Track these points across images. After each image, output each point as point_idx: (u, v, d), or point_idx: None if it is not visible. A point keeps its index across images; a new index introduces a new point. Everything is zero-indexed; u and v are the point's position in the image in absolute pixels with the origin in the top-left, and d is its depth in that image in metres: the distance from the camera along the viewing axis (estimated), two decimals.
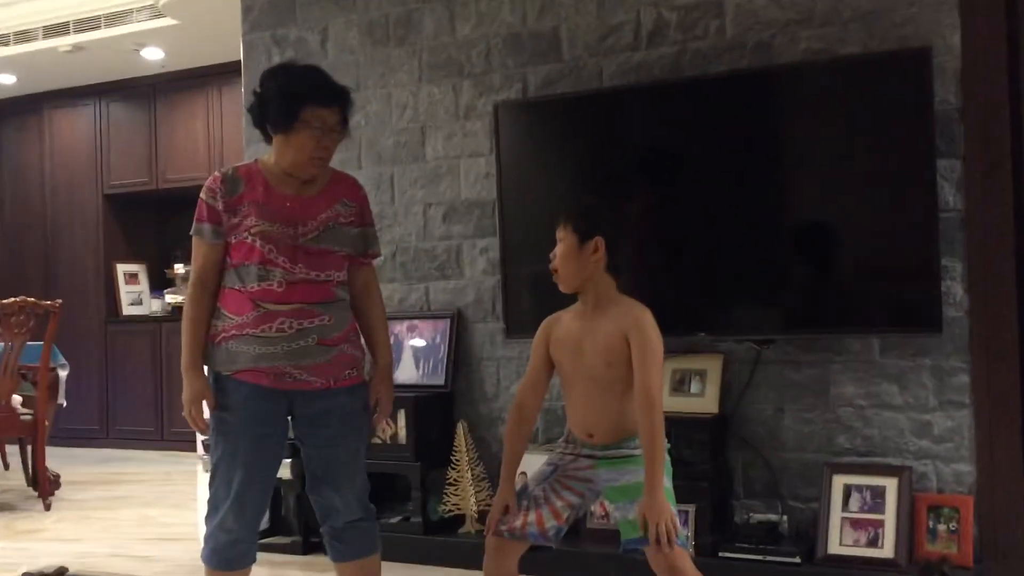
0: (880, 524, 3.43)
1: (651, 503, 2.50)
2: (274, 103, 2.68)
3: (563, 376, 2.71)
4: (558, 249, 2.65)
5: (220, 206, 2.70)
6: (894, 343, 3.54)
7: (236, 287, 2.69)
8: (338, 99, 2.71)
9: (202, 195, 2.74)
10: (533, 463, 4.11)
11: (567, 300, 2.73)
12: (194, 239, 2.74)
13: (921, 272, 3.39)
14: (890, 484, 3.45)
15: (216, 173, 2.76)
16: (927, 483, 3.50)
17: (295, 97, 2.65)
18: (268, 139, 2.78)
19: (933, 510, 3.44)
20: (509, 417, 2.79)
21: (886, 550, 3.39)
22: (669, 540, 2.46)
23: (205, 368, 2.74)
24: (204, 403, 2.71)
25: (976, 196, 3.43)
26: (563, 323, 2.71)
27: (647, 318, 2.59)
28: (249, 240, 2.67)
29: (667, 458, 2.62)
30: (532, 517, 2.64)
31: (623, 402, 2.61)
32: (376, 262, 2.95)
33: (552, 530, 2.64)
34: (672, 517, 2.49)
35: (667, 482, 2.59)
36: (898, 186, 3.45)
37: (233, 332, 2.68)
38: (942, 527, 3.42)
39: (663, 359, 2.61)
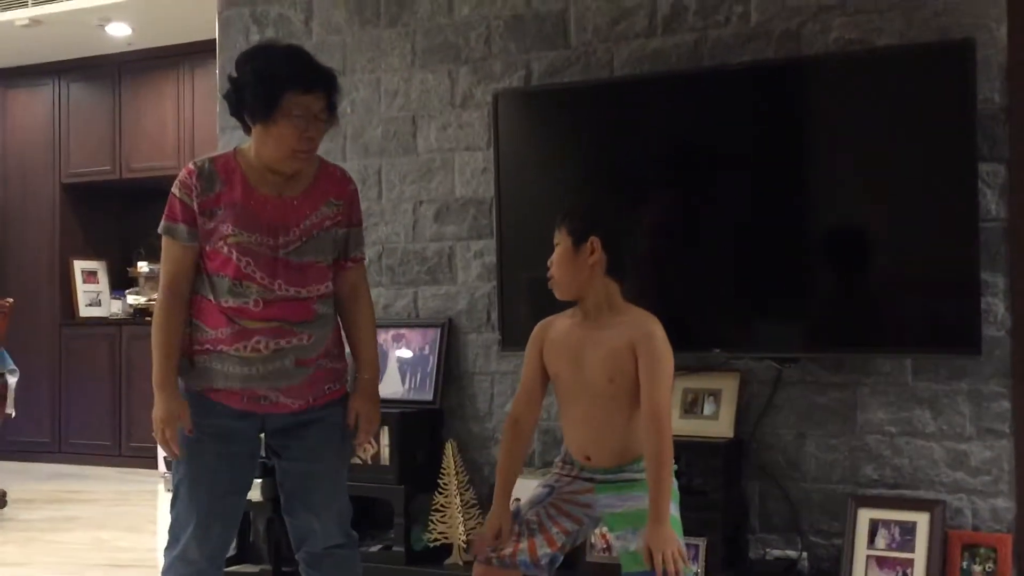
0: (909, 564, 3.43)
1: (656, 532, 2.51)
2: (251, 89, 2.63)
3: (559, 390, 2.72)
4: (554, 255, 2.68)
5: (195, 205, 2.66)
6: (928, 365, 3.55)
7: (209, 297, 2.68)
8: (322, 83, 2.67)
9: (175, 191, 2.70)
10: (527, 488, 4.11)
11: (575, 305, 2.73)
12: (165, 239, 2.71)
13: (959, 287, 3.39)
14: (921, 520, 3.46)
15: (190, 166, 2.72)
16: (962, 519, 3.51)
17: (274, 82, 2.61)
18: (247, 129, 2.74)
19: (968, 549, 3.45)
20: (504, 433, 2.80)
21: None
22: (676, 573, 2.47)
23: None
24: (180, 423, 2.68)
25: (1021, 204, 3.44)
26: (559, 329, 2.71)
27: (657, 330, 2.60)
28: (224, 251, 2.65)
29: (674, 484, 2.63)
30: (524, 544, 2.65)
31: (626, 422, 2.62)
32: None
33: (545, 558, 2.65)
34: (679, 548, 2.51)
35: (674, 511, 2.59)
36: (935, 192, 3.46)
37: (207, 347, 2.69)
38: (977, 568, 3.42)
39: (673, 376, 2.62)
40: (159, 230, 2.71)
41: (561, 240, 2.66)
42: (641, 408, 2.57)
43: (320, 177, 2.78)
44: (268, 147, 2.67)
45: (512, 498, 2.78)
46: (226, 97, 2.76)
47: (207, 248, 2.68)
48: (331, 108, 2.70)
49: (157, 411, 2.66)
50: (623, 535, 2.61)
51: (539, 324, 2.77)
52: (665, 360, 2.58)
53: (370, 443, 2.93)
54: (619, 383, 2.59)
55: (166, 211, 2.71)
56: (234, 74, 2.71)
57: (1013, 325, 3.45)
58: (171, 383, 2.67)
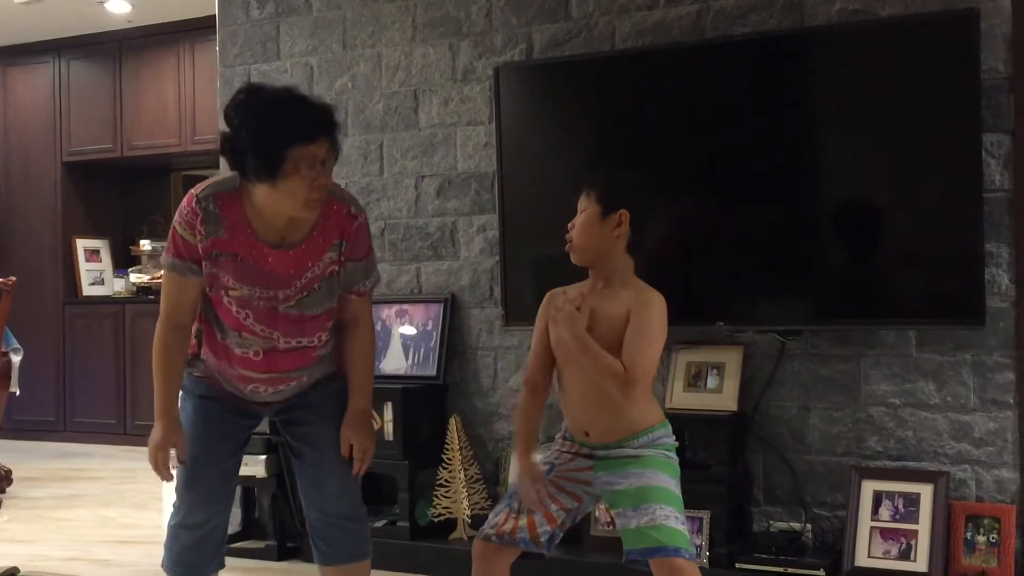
0: (913, 534, 3.45)
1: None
2: (252, 155, 2.50)
3: (559, 362, 2.70)
4: (577, 220, 2.64)
5: (199, 248, 2.59)
6: (932, 336, 3.55)
7: (215, 332, 2.70)
8: (324, 129, 2.54)
9: (177, 226, 2.62)
10: None
11: (578, 280, 2.73)
12: (167, 274, 2.66)
13: (963, 258, 3.40)
14: (925, 491, 3.47)
15: (193, 202, 2.59)
16: (965, 491, 3.52)
17: (276, 141, 2.48)
18: (244, 176, 2.58)
19: (971, 520, 3.46)
20: (523, 393, 2.78)
21: (919, 563, 3.41)
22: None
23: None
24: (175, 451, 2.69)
25: None
26: (567, 299, 2.67)
27: (656, 300, 2.59)
28: (225, 302, 2.64)
29: (674, 459, 2.64)
30: (523, 522, 2.64)
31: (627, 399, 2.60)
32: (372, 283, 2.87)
33: (544, 535, 2.64)
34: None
35: (674, 486, 2.59)
36: (940, 163, 3.46)
37: (211, 373, 2.76)
38: (981, 539, 3.43)
39: (661, 350, 2.60)
40: (161, 262, 2.73)
41: (588, 206, 2.62)
42: (624, 344, 2.54)
43: (325, 218, 2.66)
44: (278, 203, 2.55)
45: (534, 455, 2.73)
46: (222, 153, 2.61)
47: (211, 294, 2.66)
48: (334, 147, 2.58)
49: (153, 436, 2.67)
50: (622, 513, 2.59)
51: (549, 293, 2.74)
52: (656, 328, 2.56)
53: (375, 419, 2.92)
54: (617, 355, 2.55)
55: (168, 245, 2.64)
56: (228, 130, 2.56)
57: (1017, 296, 3.45)
58: (170, 412, 2.66)
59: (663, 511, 2.53)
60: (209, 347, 2.72)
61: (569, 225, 2.66)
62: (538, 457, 2.73)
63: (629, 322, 2.55)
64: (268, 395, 2.74)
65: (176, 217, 2.63)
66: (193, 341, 2.76)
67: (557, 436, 2.80)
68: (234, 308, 2.62)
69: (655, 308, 2.58)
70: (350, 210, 2.69)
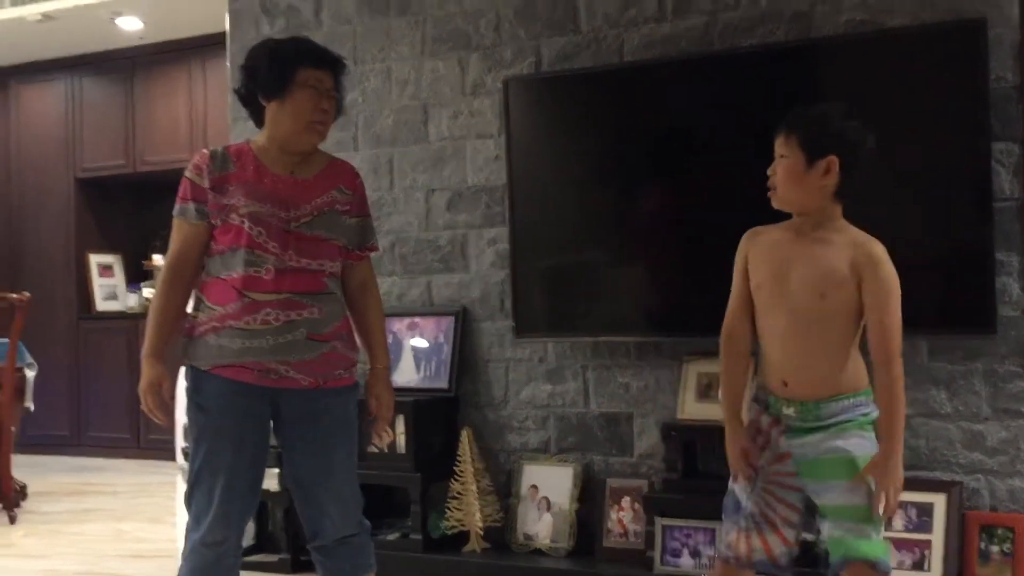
0: (927, 545, 3.43)
1: (884, 463, 2.37)
2: (265, 70, 2.72)
3: (759, 305, 2.52)
4: (778, 166, 2.46)
5: (206, 183, 2.71)
6: (943, 345, 3.54)
7: (221, 275, 2.71)
8: (331, 62, 2.78)
9: (187, 173, 2.76)
10: (544, 475, 4.14)
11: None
12: (175, 221, 2.75)
13: (973, 267, 3.40)
14: (938, 501, 3.45)
15: (204, 151, 2.78)
16: (979, 500, 3.50)
17: (287, 59, 2.71)
18: (258, 120, 2.80)
19: (985, 530, 3.44)
20: (722, 351, 2.63)
21: (933, 573, 3.40)
22: (888, 512, 2.38)
23: (182, 368, 2.77)
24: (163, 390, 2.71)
25: None
26: (768, 238, 2.54)
27: (884, 254, 2.42)
28: (237, 222, 2.68)
29: (870, 436, 2.47)
30: (756, 543, 2.53)
31: (832, 349, 2.45)
32: (374, 256, 2.96)
33: (783, 557, 2.53)
34: (899, 490, 2.38)
35: (867, 494, 2.44)
36: (949, 171, 3.46)
37: (214, 324, 2.69)
38: (995, 549, 3.42)
39: (899, 301, 2.43)
40: (173, 213, 2.75)
41: (790, 153, 2.43)
42: (869, 340, 2.40)
43: (331, 166, 2.85)
44: (284, 123, 2.73)
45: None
46: (237, 89, 2.83)
47: (219, 224, 2.71)
48: (338, 89, 2.79)
49: (142, 381, 2.70)
50: (816, 488, 2.45)
51: (747, 233, 2.57)
52: (896, 289, 2.40)
53: (387, 431, 2.92)
54: (831, 303, 2.41)
55: (178, 194, 2.76)
56: (247, 63, 2.80)
57: None
58: (157, 354, 2.71)
59: (865, 530, 2.43)
60: (215, 295, 2.71)
61: (769, 171, 2.49)
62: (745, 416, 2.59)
63: (864, 288, 2.38)
64: (279, 329, 2.67)
65: (186, 171, 2.78)
66: (198, 318, 2.73)
67: (748, 401, 2.62)
68: (247, 225, 2.67)
69: (886, 261, 2.40)
70: (353, 168, 2.91)
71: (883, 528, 2.49)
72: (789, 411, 2.49)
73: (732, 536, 2.58)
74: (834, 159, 2.41)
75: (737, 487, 2.61)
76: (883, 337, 2.40)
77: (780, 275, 2.47)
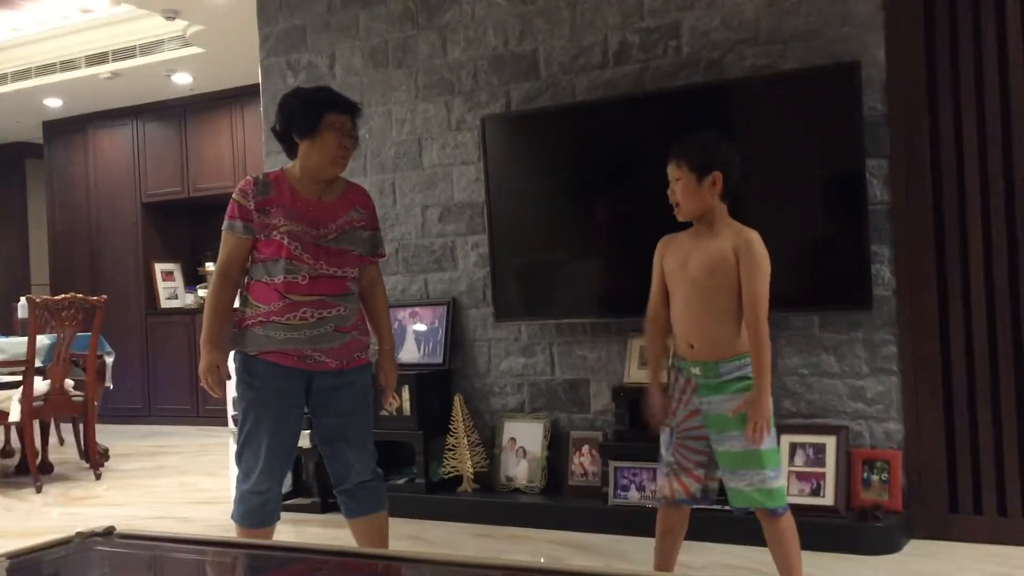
0: (822, 476, 3.46)
1: (755, 402, 2.42)
2: (299, 113, 2.71)
3: (670, 285, 2.59)
4: (677, 186, 2.50)
5: (252, 205, 2.70)
6: (831, 319, 3.57)
7: (263, 279, 2.69)
8: (352, 108, 2.77)
9: (235, 196, 2.74)
10: (520, 430, 4.14)
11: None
12: (224, 234, 2.73)
13: (854, 257, 3.42)
14: (830, 442, 3.48)
15: (248, 177, 2.77)
16: (861, 440, 3.53)
17: (318, 106, 2.71)
18: (291, 153, 2.78)
19: (867, 463, 3.48)
20: (647, 328, 2.68)
21: (827, 498, 3.43)
22: (759, 439, 2.41)
23: (232, 352, 2.76)
24: (220, 371, 2.71)
25: (901, 190, 3.45)
26: (677, 240, 2.60)
27: (756, 238, 2.48)
28: (278, 237, 2.67)
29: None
30: (677, 485, 2.58)
31: (722, 314, 2.48)
32: (381, 260, 2.96)
33: (698, 492, 2.57)
34: (768, 421, 2.42)
35: (771, 442, 2.47)
36: (833, 182, 3.48)
37: (260, 319, 2.69)
38: (875, 478, 3.45)
39: (769, 276, 2.47)
40: (222, 228, 2.73)
41: (683, 175, 2.48)
42: (744, 307, 2.44)
43: (348, 190, 2.83)
44: (313, 158, 2.71)
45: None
46: (273, 129, 2.81)
47: (262, 239, 2.69)
48: (355, 128, 2.78)
49: (202, 363, 2.71)
50: (718, 436, 2.49)
51: (663, 238, 2.64)
52: (763, 262, 2.45)
53: (394, 397, 2.93)
54: (718, 278, 2.46)
55: (227, 212, 2.73)
56: (281, 108, 2.78)
57: (897, 286, 3.47)
58: (214, 342, 2.70)
59: (760, 476, 2.46)
60: (260, 295, 2.69)
61: (669, 192, 2.53)
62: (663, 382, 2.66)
63: (739, 264, 2.44)
64: (314, 324, 2.66)
65: (234, 194, 2.75)
66: (246, 313, 2.71)
67: (668, 368, 2.67)
68: (286, 240, 2.66)
69: (757, 243, 2.46)
70: (366, 191, 2.90)
71: (779, 466, 2.51)
72: (696, 370, 2.54)
73: (660, 482, 2.63)
74: (718, 173, 2.48)
75: (661, 441, 2.64)
76: (752, 303, 2.44)
77: (682, 263, 2.55)
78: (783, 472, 2.56)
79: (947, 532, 3.37)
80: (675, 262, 2.57)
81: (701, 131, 2.58)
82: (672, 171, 2.52)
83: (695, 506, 2.62)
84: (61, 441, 6.53)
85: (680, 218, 2.56)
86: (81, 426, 5.63)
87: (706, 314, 2.50)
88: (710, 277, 2.48)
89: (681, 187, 2.50)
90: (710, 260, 2.48)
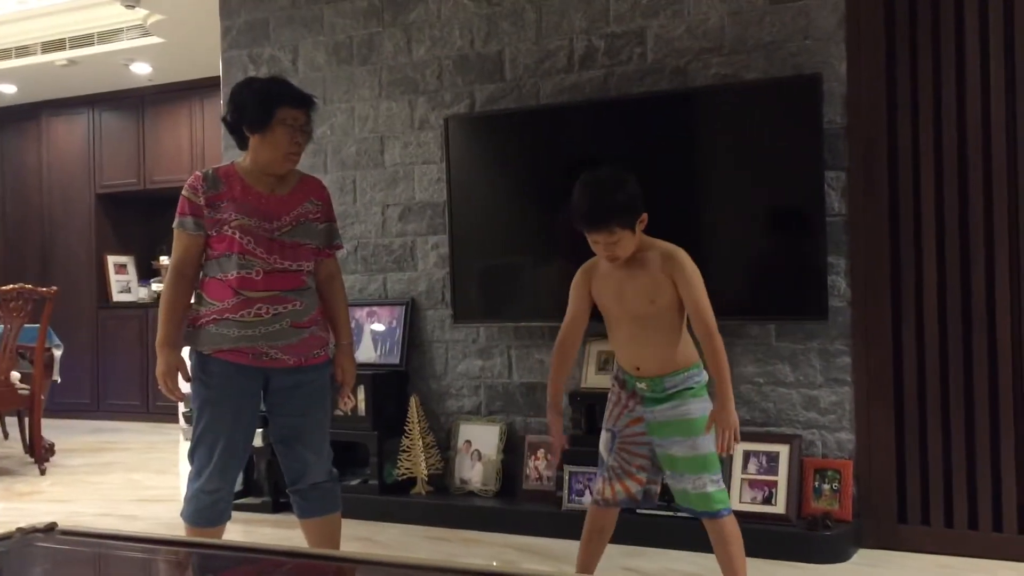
0: (774, 484, 3.49)
1: (720, 412, 2.45)
2: (251, 107, 2.66)
3: (608, 318, 2.61)
4: (616, 247, 2.48)
5: (201, 201, 2.65)
6: (787, 329, 3.60)
7: (217, 276, 2.65)
8: (306, 102, 2.71)
9: (184, 192, 2.69)
10: (476, 432, 4.14)
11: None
12: (176, 231, 2.68)
13: (810, 268, 3.45)
14: (783, 450, 3.51)
15: (197, 173, 2.71)
16: (814, 449, 3.56)
17: (270, 100, 2.64)
18: (242, 144, 2.74)
19: (819, 472, 3.51)
20: (555, 352, 2.67)
21: (779, 506, 3.46)
22: (729, 448, 2.45)
23: (187, 348, 2.71)
24: (179, 374, 2.67)
25: (858, 203, 3.49)
26: (602, 270, 2.58)
27: (681, 254, 2.51)
28: (229, 233, 2.63)
29: (705, 398, 2.56)
30: (618, 487, 2.61)
31: (666, 336, 2.53)
32: (340, 254, 2.93)
33: (640, 494, 2.61)
34: (736, 430, 2.45)
35: (709, 443, 2.52)
36: (792, 193, 3.51)
37: (214, 316, 2.65)
38: (826, 487, 3.49)
39: (703, 284, 2.50)
40: (173, 225, 2.68)
41: (621, 235, 2.46)
42: (692, 322, 2.48)
43: (302, 182, 2.79)
44: (264, 153, 2.67)
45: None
46: (224, 119, 2.76)
47: (214, 234, 2.65)
48: (309, 122, 2.73)
49: (159, 366, 2.65)
50: (662, 442, 2.54)
51: (585, 265, 2.62)
52: (696, 275, 2.48)
53: (349, 397, 2.89)
54: (659, 305, 2.50)
55: (178, 209, 2.69)
56: (233, 99, 2.72)
57: (852, 297, 3.51)
58: (170, 344, 2.66)
59: (702, 480, 2.51)
60: (214, 292, 2.65)
61: (606, 254, 2.50)
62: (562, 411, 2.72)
63: (676, 284, 2.47)
64: (269, 320, 2.62)
65: (183, 190, 2.70)
66: (200, 311, 2.67)
67: (611, 378, 2.69)
68: (238, 235, 2.62)
69: (686, 260, 2.49)
70: (321, 182, 2.85)
71: (719, 470, 2.55)
72: (642, 385, 2.59)
73: (599, 484, 2.66)
74: (644, 215, 2.49)
75: (601, 447, 2.67)
76: (699, 316, 2.48)
77: (617, 297, 2.56)
78: (722, 476, 2.59)
79: (896, 542, 3.41)
80: (609, 296, 2.57)
81: (600, 172, 2.54)
82: (604, 237, 2.46)
83: (639, 509, 2.65)
84: (5, 435, 6.41)
85: (619, 263, 2.53)
86: (27, 420, 5.52)
87: (653, 341, 2.54)
88: (651, 306, 2.51)
89: (622, 244, 2.48)
90: (647, 291, 2.51)
